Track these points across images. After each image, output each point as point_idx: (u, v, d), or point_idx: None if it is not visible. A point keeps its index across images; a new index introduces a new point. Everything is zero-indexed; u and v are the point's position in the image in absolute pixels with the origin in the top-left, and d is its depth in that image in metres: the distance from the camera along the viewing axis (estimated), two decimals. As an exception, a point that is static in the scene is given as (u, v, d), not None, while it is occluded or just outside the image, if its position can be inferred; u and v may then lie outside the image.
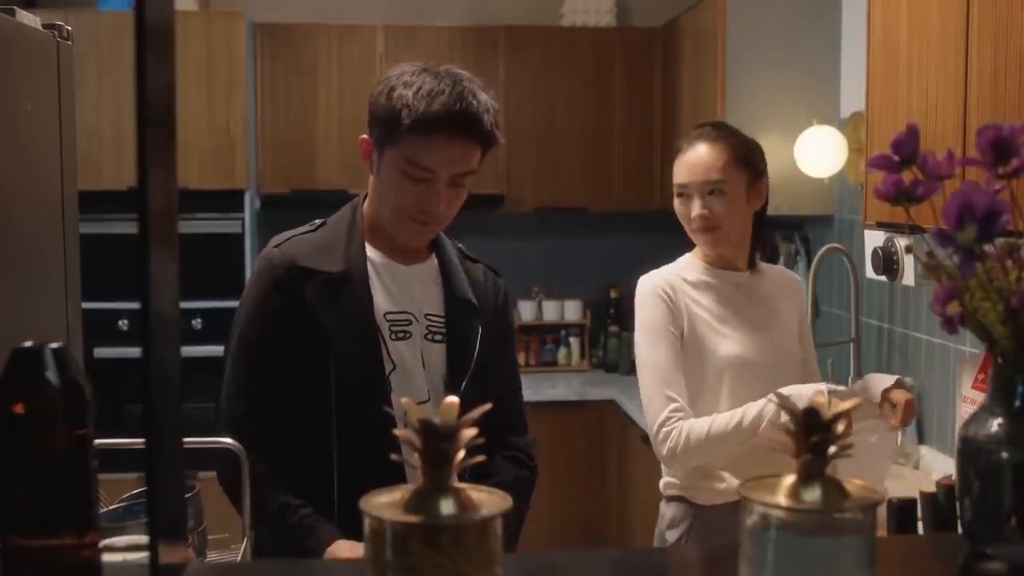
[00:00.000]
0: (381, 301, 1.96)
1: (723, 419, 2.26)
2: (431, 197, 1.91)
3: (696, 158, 2.37)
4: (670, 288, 2.37)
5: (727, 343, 2.35)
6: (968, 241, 1.11)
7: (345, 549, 1.82)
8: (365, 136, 1.96)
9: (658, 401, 2.30)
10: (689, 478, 2.38)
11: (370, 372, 1.92)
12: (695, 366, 2.35)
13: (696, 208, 2.35)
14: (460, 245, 2.11)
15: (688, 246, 2.48)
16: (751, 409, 2.24)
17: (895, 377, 2.37)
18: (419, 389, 1.94)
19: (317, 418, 1.92)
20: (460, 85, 1.89)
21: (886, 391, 2.31)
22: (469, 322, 2.01)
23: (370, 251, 1.99)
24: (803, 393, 2.13)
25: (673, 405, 2.29)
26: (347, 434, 1.91)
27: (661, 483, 2.47)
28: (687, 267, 2.43)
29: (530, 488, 2.07)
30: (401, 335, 1.96)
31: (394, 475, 1.78)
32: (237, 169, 4.55)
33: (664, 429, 2.28)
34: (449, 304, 2.01)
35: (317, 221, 2.03)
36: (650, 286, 2.39)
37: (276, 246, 1.99)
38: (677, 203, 2.40)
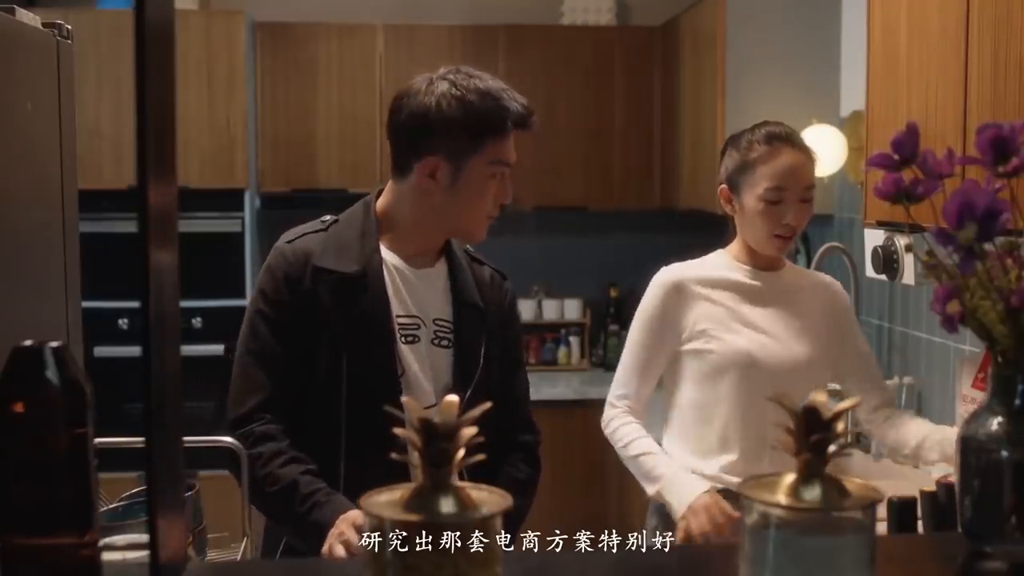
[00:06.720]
0: (392, 304, 1.95)
1: (636, 446, 2.38)
2: (506, 188, 1.97)
3: (797, 162, 2.34)
4: (677, 283, 2.37)
5: (737, 339, 2.33)
6: (968, 240, 1.11)
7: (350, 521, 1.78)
8: (432, 156, 1.91)
9: (616, 384, 2.48)
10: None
11: (385, 374, 1.91)
12: (698, 359, 2.35)
13: (791, 215, 2.33)
14: (468, 247, 2.10)
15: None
16: (648, 462, 2.35)
17: None
18: (426, 394, 1.93)
19: (326, 417, 1.91)
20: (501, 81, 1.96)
21: None
22: (477, 328, 2.01)
23: (383, 252, 1.97)
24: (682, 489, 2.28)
25: (623, 392, 2.45)
26: (356, 435, 1.90)
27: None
28: (713, 264, 2.42)
29: (533, 487, 2.07)
30: (410, 339, 1.95)
31: (400, 476, 1.79)
32: (237, 168, 4.54)
33: (608, 411, 2.47)
34: (457, 309, 2.00)
35: (327, 218, 2.01)
36: (659, 278, 2.42)
37: (288, 242, 1.97)
38: (763, 206, 2.33)
